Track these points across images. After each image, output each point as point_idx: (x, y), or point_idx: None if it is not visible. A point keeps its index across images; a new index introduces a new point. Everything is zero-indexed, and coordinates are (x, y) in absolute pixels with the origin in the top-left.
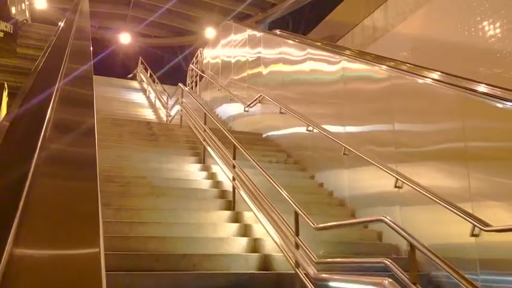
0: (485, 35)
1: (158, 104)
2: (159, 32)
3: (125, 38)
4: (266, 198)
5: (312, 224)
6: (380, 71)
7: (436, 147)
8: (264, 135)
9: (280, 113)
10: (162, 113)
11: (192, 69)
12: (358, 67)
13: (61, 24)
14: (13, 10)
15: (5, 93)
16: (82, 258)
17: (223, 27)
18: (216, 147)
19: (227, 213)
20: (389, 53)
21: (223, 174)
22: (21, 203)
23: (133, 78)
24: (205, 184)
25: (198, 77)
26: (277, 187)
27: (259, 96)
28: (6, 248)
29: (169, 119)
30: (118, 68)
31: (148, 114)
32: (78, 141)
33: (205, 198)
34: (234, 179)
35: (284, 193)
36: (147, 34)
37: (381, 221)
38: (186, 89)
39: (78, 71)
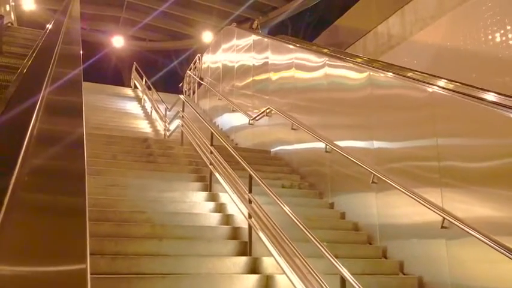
0: None
1: (154, 115)
2: (153, 36)
3: (117, 42)
4: (292, 244)
5: None
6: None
7: (495, 167)
8: (272, 151)
9: (292, 129)
10: (159, 125)
11: (190, 76)
12: (388, 78)
13: (49, 26)
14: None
15: None
16: (66, 275)
17: (224, 31)
18: (225, 174)
19: (243, 260)
20: (406, 62)
21: (234, 205)
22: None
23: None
24: (214, 219)
25: (196, 84)
26: (321, 248)
27: (266, 109)
28: None
29: (168, 133)
30: (110, 73)
31: (144, 127)
32: (65, 153)
33: (215, 238)
34: (250, 216)
35: (336, 263)
36: (141, 37)
37: None
38: (183, 97)
39: (67, 76)
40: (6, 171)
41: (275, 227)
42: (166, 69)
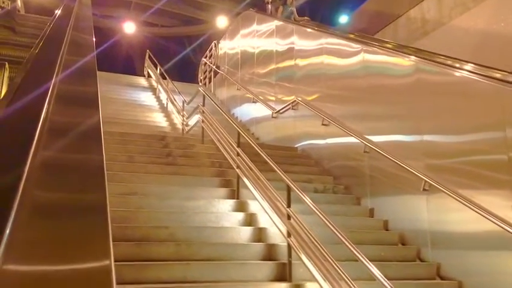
0: None
1: (170, 107)
2: (166, 21)
3: (128, 28)
4: (339, 266)
5: None
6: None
7: None
8: (299, 148)
9: (323, 124)
10: (176, 118)
11: (205, 64)
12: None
13: (58, 12)
14: None
15: (6, 74)
16: (90, 273)
17: (243, 16)
18: (255, 179)
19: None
20: (444, 49)
21: (265, 214)
22: (12, 215)
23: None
24: (245, 234)
25: (212, 73)
26: (374, 271)
27: (292, 102)
28: None
29: (186, 128)
30: (121, 62)
31: (160, 121)
32: (82, 145)
33: (248, 259)
34: (289, 234)
35: None
36: (153, 23)
37: None
38: (202, 89)
39: (79, 64)
40: (17, 166)
41: (319, 247)
42: (179, 57)
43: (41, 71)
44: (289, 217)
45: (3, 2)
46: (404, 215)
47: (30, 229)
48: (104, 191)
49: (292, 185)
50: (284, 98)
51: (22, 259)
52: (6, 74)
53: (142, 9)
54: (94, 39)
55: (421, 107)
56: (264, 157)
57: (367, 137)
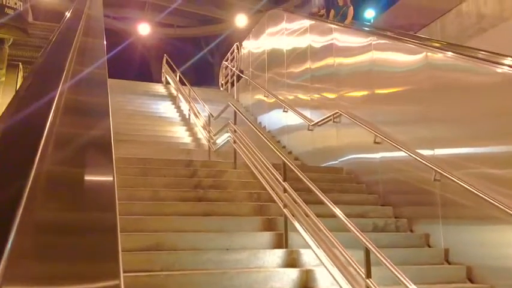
0: None
1: (193, 118)
2: (182, 21)
3: (143, 29)
4: None
5: None
6: None
7: None
8: (344, 167)
9: (375, 142)
10: (200, 132)
11: (227, 67)
12: None
13: (68, 14)
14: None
15: (20, 75)
16: None
17: (270, 14)
18: (304, 218)
19: None
20: (507, 49)
21: (322, 268)
22: (13, 233)
23: None
24: None
25: (235, 77)
26: None
27: (333, 114)
28: None
29: (213, 147)
30: (136, 67)
31: (183, 136)
32: (89, 159)
33: None
34: None
35: None
36: (168, 24)
37: None
38: (233, 105)
39: (88, 72)
40: (19, 180)
41: None
42: (197, 59)
43: (46, 80)
44: None
45: (15, 3)
46: (493, 254)
47: (31, 248)
48: (114, 207)
49: (373, 249)
50: (323, 95)
51: (23, 280)
52: (20, 74)
53: (157, 10)
54: (105, 42)
55: None
56: (330, 206)
57: (435, 151)
